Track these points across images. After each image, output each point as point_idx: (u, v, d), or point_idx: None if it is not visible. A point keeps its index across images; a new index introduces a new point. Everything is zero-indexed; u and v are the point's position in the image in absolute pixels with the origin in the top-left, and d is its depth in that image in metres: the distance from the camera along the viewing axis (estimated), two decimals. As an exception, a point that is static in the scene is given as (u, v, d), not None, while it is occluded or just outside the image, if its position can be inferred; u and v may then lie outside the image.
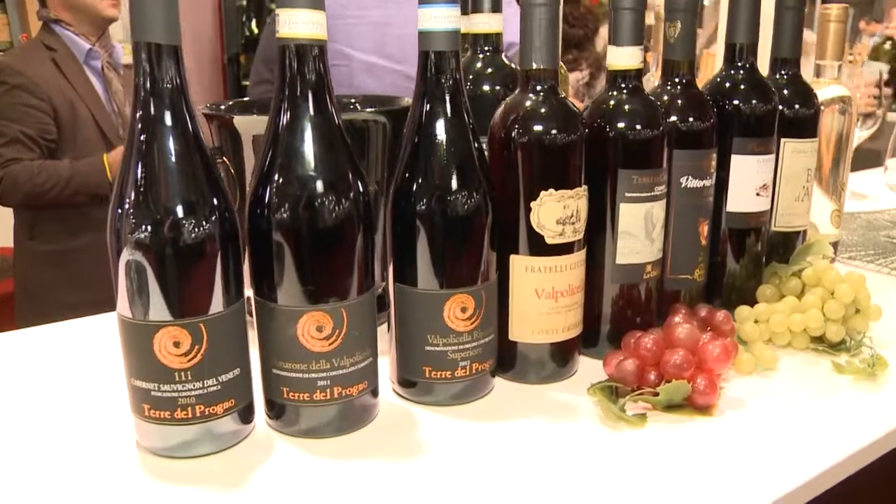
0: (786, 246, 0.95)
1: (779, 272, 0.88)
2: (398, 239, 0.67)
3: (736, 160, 0.85)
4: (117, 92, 1.88)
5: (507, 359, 0.74)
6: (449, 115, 0.66)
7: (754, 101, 0.84)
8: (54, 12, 1.83)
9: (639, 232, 0.75)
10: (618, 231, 0.75)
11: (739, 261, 0.89)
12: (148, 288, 0.57)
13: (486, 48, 0.88)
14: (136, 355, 0.59)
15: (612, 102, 0.75)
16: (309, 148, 0.61)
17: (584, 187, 0.71)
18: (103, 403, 0.72)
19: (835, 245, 1.04)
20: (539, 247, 0.70)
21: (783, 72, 0.93)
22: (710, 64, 1.17)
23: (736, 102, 0.84)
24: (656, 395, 0.68)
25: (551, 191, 0.69)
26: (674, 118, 0.80)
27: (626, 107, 0.75)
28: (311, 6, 0.59)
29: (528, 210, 0.69)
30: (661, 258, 0.79)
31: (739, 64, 0.86)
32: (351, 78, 1.68)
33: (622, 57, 0.74)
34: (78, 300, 1.67)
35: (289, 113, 0.61)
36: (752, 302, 0.88)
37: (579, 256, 0.72)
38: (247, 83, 2.93)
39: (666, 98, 0.81)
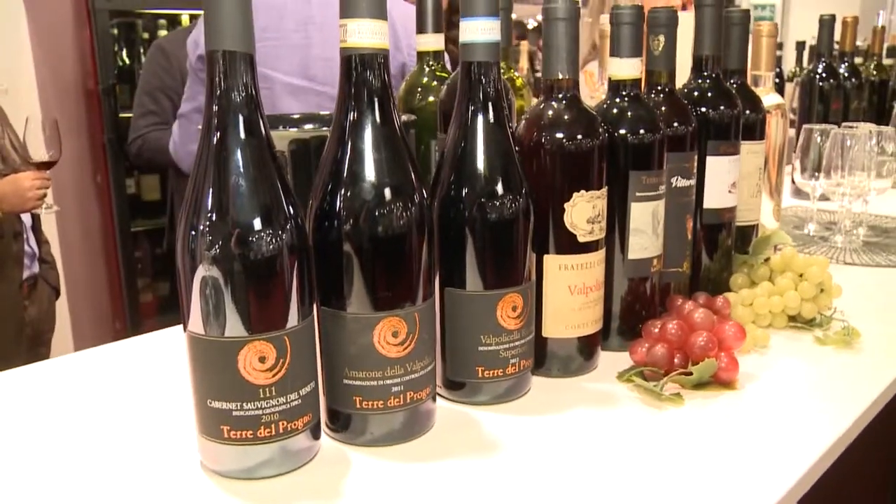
0: (743, 238, 1.05)
1: (748, 261, 0.97)
2: (447, 244, 0.69)
3: (710, 161, 0.94)
4: None
5: (538, 356, 0.78)
6: (492, 122, 0.69)
7: (723, 108, 0.94)
8: None
9: (647, 228, 0.81)
10: (629, 228, 0.81)
11: (714, 254, 0.97)
12: (229, 303, 0.56)
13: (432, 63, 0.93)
14: (217, 374, 0.57)
15: (615, 109, 0.81)
16: (376, 156, 0.62)
17: (605, 188, 0.76)
18: (158, 427, 0.68)
19: (776, 236, 1.16)
20: (572, 245, 0.75)
21: (732, 81, 1.03)
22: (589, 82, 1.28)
23: (707, 109, 0.93)
24: (689, 374, 0.74)
25: (582, 192, 0.74)
26: (668, 122, 0.87)
27: (631, 113, 0.81)
28: (376, 16, 0.61)
29: (562, 211, 0.74)
30: (662, 253, 0.85)
31: (706, 73, 0.95)
32: (273, 100, 1.66)
33: (624, 67, 0.81)
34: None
35: (356, 120, 0.62)
36: (726, 290, 0.96)
37: (603, 253, 0.77)
38: (126, 115, 2.80)
39: (653, 105, 0.89)
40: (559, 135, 0.73)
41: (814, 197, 1.39)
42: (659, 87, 0.89)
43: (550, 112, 0.74)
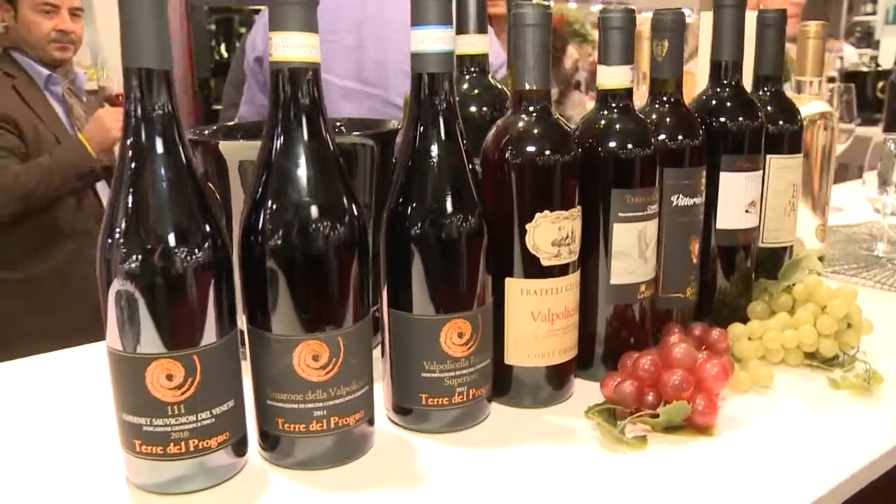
0: (774, 262, 0.96)
1: (769, 288, 0.88)
2: (392, 264, 0.66)
3: (724, 177, 0.85)
4: (79, 117, 1.87)
5: (502, 383, 0.73)
6: (443, 137, 0.66)
7: (741, 119, 0.85)
8: (12, 41, 1.82)
9: (632, 251, 0.75)
10: (612, 251, 0.75)
11: (729, 278, 0.89)
12: (139, 319, 0.56)
13: (473, 69, 0.87)
14: (127, 389, 0.57)
15: (603, 122, 0.75)
16: (303, 173, 0.60)
17: (578, 208, 0.71)
18: (89, 439, 0.69)
19: (821, 259, 1.04)
20: (534, 269, 0.70)
21: (766, 88, 0.94)
22: (690, 82, 1.18)
23: (723, 120, 0.85)
24: (656, 416, 0.67)
25: (546, 212, 0.68)
26: (663, 136, 0.80)
27: (618, 126, 0.75)
28: (304, 29, 0.58)
29: (524, 232, 0.69)
30: (653, 278, 0.78)
31: (725, 81, 0.87)
32: (330, 104, 1.67)
33: (612, 76, 0.74)
34: (42, 328, 1.63)
35: (282, 138, 0.60)
36: (743, 319, 0.88)
37: (574, 278, 0.72)
38: (218, 107, 2.91)
39: (655, 116, 0.82)
40: (522, 150, 0.68)
41: (885, 213, 1.25)
42: (664, 97, 0.82)
43: (518, 125, 0.69)
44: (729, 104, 0.86)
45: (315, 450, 0.63)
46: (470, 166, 0.67)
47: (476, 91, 0.87)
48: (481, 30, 0.88)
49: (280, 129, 0.60)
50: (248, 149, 0.77)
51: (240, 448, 0.63)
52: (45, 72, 1.83)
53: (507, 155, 0.68)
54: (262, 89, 1.72)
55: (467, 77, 0.87)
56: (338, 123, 0.92)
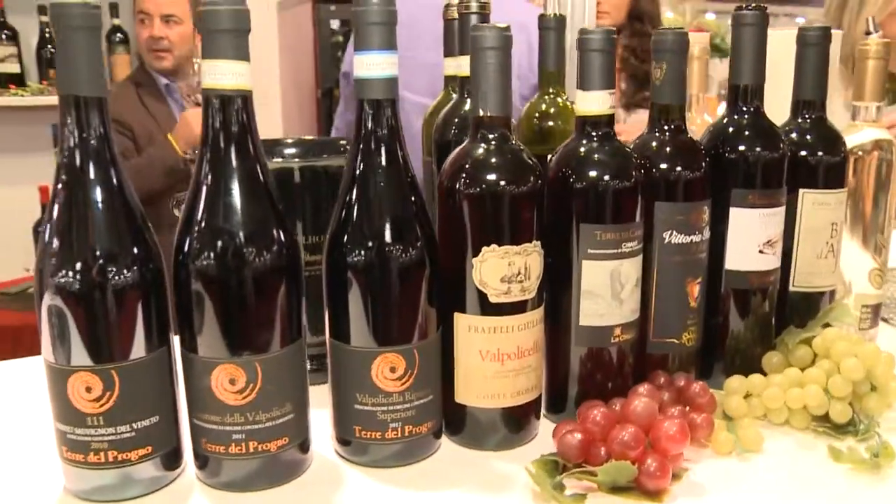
0: (808, 308, 0.85)
1: (786, 339, 0.79)
2: (331, 292, 0.65)
3: (735, 213, 0.77)
4: None
5: (455, 421, 0.70)
6: (384, 164, 0.64)
7: (757, 149, 0.76)
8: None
9: (604, 292, 0.69)
10: (580, 290, 0.70)
11: (742, 324, 0.80)
12: (64, 332, 0.58)
13: (465, 93, 0.85)
14: (55, 398, 0.60)
15: (580, 150, 0.70)
16: (226, 198, 0.60)
17: (535, 243, 0.66)
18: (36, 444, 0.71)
19: (875, 308, 0.92)
20: (483, 305, 0.66)
21: (806, 115, 0.84)
22: (712, 107, 1.08)
23: (734, 149, 0.77)
24: (595, 473, 0.62)
25: (494, 247, 0.65)
26: (661, 167, 0.73)
27: (596, 156, 0.69)
28: (234, 57, 0.59)
29: (471, 266, 0.65)
30: (635, 320, 0.72)
31: (743, 107, 0.78)
32: (408, 120, 1.69)
33: (591, 102, 0.69)
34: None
35: (209, 164, 0.61)
36: (758, 370, 0.79)
37: (531, 317, 0.67)
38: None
39: (655, 145, 0.75)
40: (471, 179, 0.65)
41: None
42: (664, 124, 0.75)
43: (472, 154, 0.66)
44: (744, 132, 0.78)
45: (238, 472, 0.63)
46: (413, 195, 0.65)
47: (457, 118, 0.85)
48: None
49: (210, 154, 0.61)
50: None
51: (169, 462, 0.64)
52: (164, 81, 1.98)
53: (456, 184, 0.65)
54: (348, 104, 1.76)
55: (469, 99, 0.84)
56: (342, 142, 0.93)
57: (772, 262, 0.79)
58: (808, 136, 0.83)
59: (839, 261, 0.86)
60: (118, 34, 2.89)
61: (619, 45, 2.41)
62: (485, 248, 0.65)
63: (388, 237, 0.63)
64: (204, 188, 0.60)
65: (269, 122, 2.49)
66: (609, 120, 0.70)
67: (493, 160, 0.66)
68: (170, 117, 1.92)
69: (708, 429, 0.68)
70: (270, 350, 0.61)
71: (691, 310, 0.76)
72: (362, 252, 0.63)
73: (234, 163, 0.60)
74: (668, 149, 0.75)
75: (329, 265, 0.65)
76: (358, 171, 0.64)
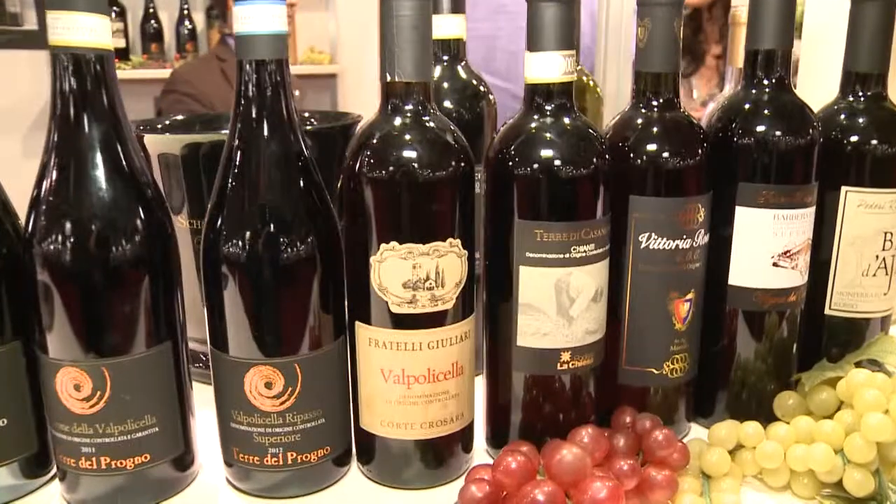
0: (849, 338, 0.67)
1: (804, 378, 0.62)
2: (206, 290, 0.55)
3: (742, 214, 0.61)
4: None
5: (366, 450, 0.59)
6: (266, 141, 0.53)
7: (775, 131, 0.59)
8: (231, 27, 1.96)
9: (546, 306, 0.55)
10: (517, 303, 0.56)
11: (752, 354, 0.64)
12: None
13: (444, 57, 0.72)
14: None
15: (528, 128, 0.56)
16: (72, 177, 0.51)
17: (451, 242, 0.53)
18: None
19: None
20: (385, 316, 0.54)
21: (859, 92, 0.65)
22: None
23: (748, 131, 0.60)
24: (498, 540, 0.49)
25: (394, 244, 0.52)
26: (641, 151, 0.58)
27: (547, 135, 0.55)
28: (88, 9, 0.49)
29: (369, 267, 0.53)
30: (593, 344, 0.57)
31: (763, 78, 0.61)
32: None
33: (541, 67, 0.55)
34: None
35: (57, 135, 0.52)
36: (769, 411, 0.63)
37: (447, 333, 0.55)
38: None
39: (639, 123, 0.60)
40: (372, 161, 0.52)
41: None
42: (650, 98, 0.60)
43: (381, 129, 0.54)
44: (762, 111, 0.61)
45: (95, 488, 0.55)
46: (305, 179, 0.54)
47: (447, 84, 0.72)
48: (456, 9, 0.72)
49: (58, 123, 0.52)
50: (169, 141, 0.70)
51: (30, 470, 0.57)
52: None
53: (356, 165, 0.53)
54: None
55: (437, 67, 0.72)
56: (306, 115, 0.82)
57: (791, 277, 0.62)
58: (860, 119, 0.64)
59: (895, 281, 0.67)
60: (214, 10, 2.92)
61: (707, 22, 2.19)
62: (383, 246, 0.52)
63: (265, 228, 0.52)
64: (50, 163, 0.52)
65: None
66: (565, 89, 0.56)
67: (404, 137, 0.53)
68: None
69: (667, 491, 0.53)
70: (125, 354, 0.52)
71: (677, 333, 0.61)
72: (235, 244, 0.52)
73: (85, 134, 0.51)
74: (653, 129, 0.59)
75: (203, 258, 0.54)
76: (235, 150, 0.53)
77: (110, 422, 0.53)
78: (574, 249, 0.54)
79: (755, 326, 0.63)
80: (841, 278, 0.66)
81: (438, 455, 0.58)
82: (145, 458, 0.54)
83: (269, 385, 0.53)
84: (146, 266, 0.52)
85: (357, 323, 0.55)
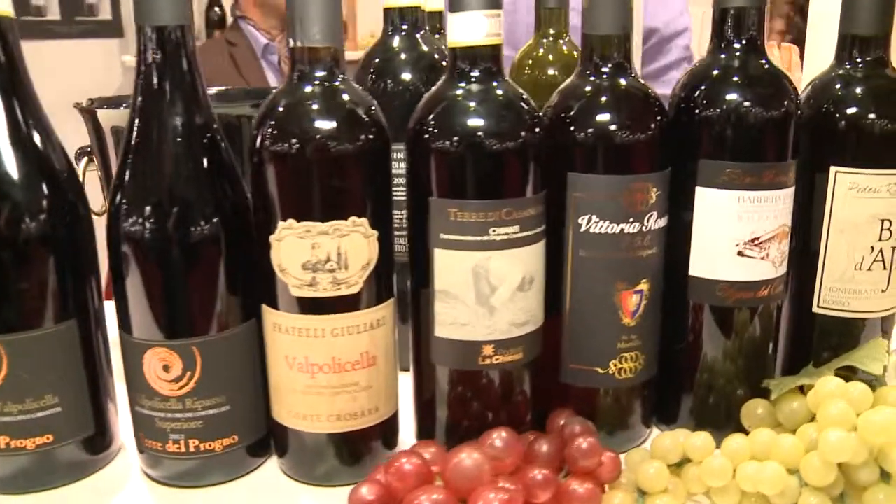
0: (843, 339, 0.59)
1: (773, 385, 0.54)
2: (110, 270, 0.53)
3: (702, 196, 0.54)
4: None
5: (279, 441, 0.55)
6: (168, 112, 0.50)
7: (742, 101, 0.52)
8: (243, 10, 1.96)
9: (464, 294, 0.50)
10: (433, 290, 0.51)
11: (720, 355, 0.57)
12: None
13: (403, 27, 0.67)
14: None
15: (449, 96, 0.51)
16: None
17: (356, 220, 0.49)
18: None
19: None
20: (287, 299, 0.50)
21: (858, 58, 0.57)
22: (787, 59, 0.79)
23: (711, 101, 0.53)
24: (380, 548, 0.44)
25: (291, 222, 0.48)
26: (584, 122, 0.52)
27: (471, 104, 0.50)
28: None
29: (269, 246, 0.50)
30: (523, 337, 0.52)
31: (734, 41, 0.54)
32: None
33: (463, 28, 0.50)
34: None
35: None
36: (737, 419, 0.56)
37: (354, 320, 0.50)
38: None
39: (587, 91, 0.53)
40: (277, 132, 0.48)
41: None
42: (599, 64, 0.53)
43: (284, 98, 0.50)
44: (731, 77, 0.53)
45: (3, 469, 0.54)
46: (208, 156, 0.50)
47: (404, 55, 0.67)
48: (415, -26, 0.67)
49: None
50: (121, 115, 0.69)
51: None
52: (263, 41, 1.95)
53: (259, 137, 0.49)
54: None
55: (395, 36, 0.67)
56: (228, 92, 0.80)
57: (761, 269, 0.54)
58: (856, 90, 0.56)
59: (890, 278, 0.58)
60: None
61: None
62: (281, 224, 0.49)
63: (159, 204, 0.49)
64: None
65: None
66: (491, 53, 0.50)
67: (305, 107, 0.49)
68: (262, 79, 1.89)
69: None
70: (23, 330, 0.51)
71: (625, 328, 0.54)
72: (131, 221, 0.50)
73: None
74: (599, 98, 0.53)
75: (106, 235, 0.52)
76: (135, 122, 0.50)
77: (8, 400, 0.51)
78: (493, 231, 0.49)
79: (723, 323, 0.56)
80: (830, 272, 0.58)
81: (355, 451, 0.54)
82: (48, 438, 0.53)
83: (166, 368, 0.51)
84: (46, 244, 0.51)
85: (263, 306, 0.52)
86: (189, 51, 0.50)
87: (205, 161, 0.51)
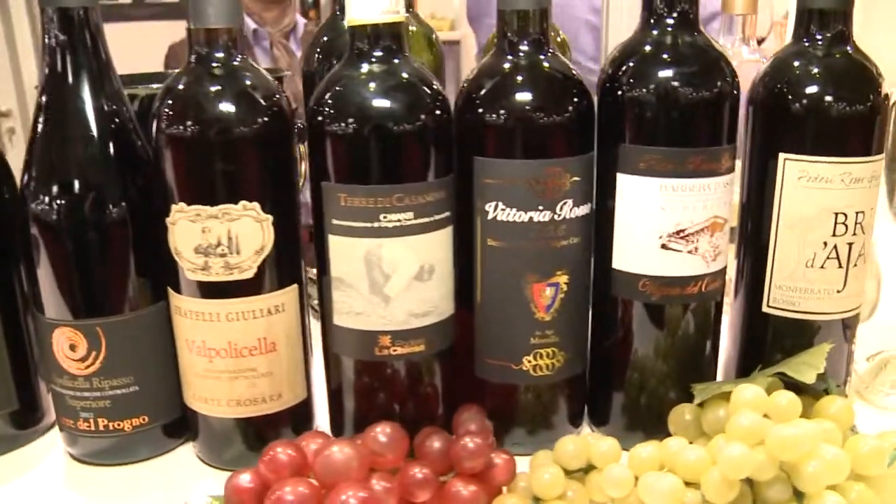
0: (796, 342, 0.54)
1: (695, 391, 0.50)
2: (24, 250, 0.54)
3: (623, 183, 0.50)
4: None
5: (192, 424, 0.55)
6: (72, 91, 0.50)
7: (668, 81, 0.48)
8: None
9: (358, 282, 0.49)
10: (330, 276, 0.50)
11: (652, 354, 0.53)
12: None
13: (337, 10, 0.66)
14: None
15: (345, 77, 0.49)
16: None
17: (246, 205, 0.48)
18: None
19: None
20: (184, 283, 0.50)
21: (817, 33, 0.51)
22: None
23: (635, 82, 0.49)
24: (241, 539, 0.43)
25: (182, 205, 0.48)
26: (494, 103, 0.49)
27: (364, 86, 0.48)
28: None
29: (166, 229, 0.49)
30: (423, 329, 0.50)
31: (667, 16, 0.49)
32: None
33: (360, 6, 0.47)
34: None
35: None
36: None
37: (249, 305, 0.50)
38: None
39: (500, 70, 0.50)
40: (171, 115, 0.48)
41: None
42: (516, 41, 0.50)
43: (178, 84, 0.49)
44: (660, 55, 0.49)
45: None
46: (114, 137, 0.51)
47: (326, 38, 0.65)
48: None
49: None
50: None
51: None
52: (253, 25, 1.93)
53: (154, 122, 0.49)
54: None
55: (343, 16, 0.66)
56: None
57: (690, 264, 0.50)
58: (811, 68, 0.50)
59: (856, 276, 0.52)
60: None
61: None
62: (174, 207, 0.48)
63: (63, 185, 0.50)
64: None
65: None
66: (391, 32, 0.48)
67: (197, 90, 0.48)
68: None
69: (465, 505, 0.45)
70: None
71: (539, 323, 0.51)
72: (38, 201, 0.50)
73: None
74: (513, 78, 0.50)
75: (23, 217, 0.53)
76: (42, 105, 0.51)
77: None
78: (384, 218, 0.47)
79: (653, 321, 0.52)
80: (780, 269, 0.53)
81: (262, 437, 0.53)
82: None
83: (73, 347, 0.52)
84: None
85: (168, 289, 0.52)
86: (94, 32, 0.50)
87: (111, 143, 0.51)
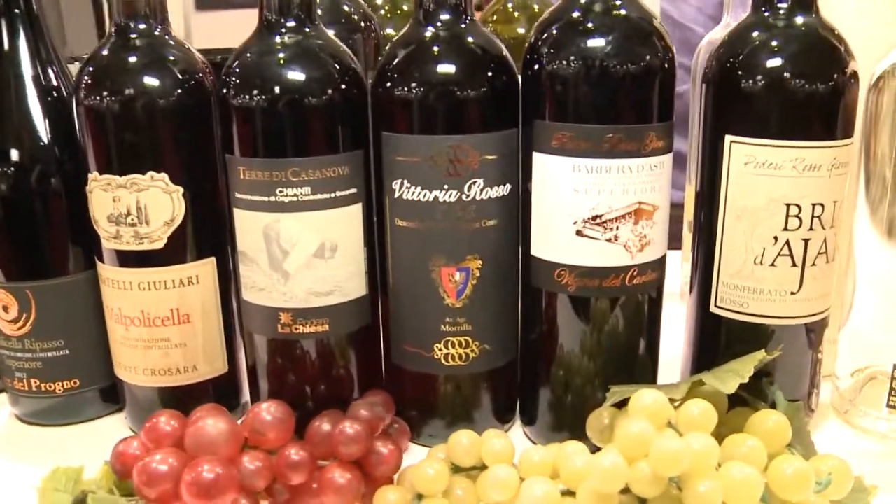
0: (748, 347, 0.48)
1: (608, 394, 0.45)
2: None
3: (537, 163, 0.46)
4: None
5: (121, 392, 0.56)
6: (10, 63, 0.52)
7: (584, 53, 0.43)
8: None
9: (259, 257, 0.47)
10: (237, 251, 0.49)
11: (578, 350, 0.48)
12: None
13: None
14: None
15: (253, 50, 0.47)
16: None
17: (154, 175, 0.48)
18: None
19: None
20: (105, 251, 0.51)
21: (779, 2, 0.45)
22: None
23: (553, 54, 0.45)
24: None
25: (95, 174, 0.49)
26: (388, 75, 0.46)
27: (269, 58, 0.46)
28: None
29: (86, 197, 0.50)
30: (325, 308, 0.48)
31: (593, -18, 0.45)
32: None
33: (271, -24, 0.46)
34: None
35: None
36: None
37: (162, 275, 0.50)
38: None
39: (417, 41, 0.47)
40: (90, 82, 0.49)
41: None
42: (429, 10, 0.47)
43: (97, 54, 0.49)
44: (580, 26, 0.45)
45: None
46: (47, 105, 0.52)
47: (326, 15, 0.65)
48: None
49: None
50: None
51: None
52: None
53: (81, 91, 0.50)
54: None
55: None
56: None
57: (611, 253, 0.45)
58: (772, 42, 0.45)
59: (815, 277, 0.46)
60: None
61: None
62: (90, 176, 0.49)
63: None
64: None
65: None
66: (301, 2, 0.46)
67: (111, 60, 0.49)
68: None
69: (339, 497, 0.43)
70: None
71: (449, 310, 0.48)
72: (-20, 165, 0.53)
73: None
74: (426, 50, 0.47)
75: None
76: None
77: None
78: (280, 192, 0.46)
79: (577, 314, 0.48)
80: (727, 265, 0.47)
81: (183, 408, 0.53)
82: None
83: (6, 309, 0.54)
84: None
85: (95, 258, 0.53)
86: (33, 8, 0.51)
87: (43, 111, 0.52)
